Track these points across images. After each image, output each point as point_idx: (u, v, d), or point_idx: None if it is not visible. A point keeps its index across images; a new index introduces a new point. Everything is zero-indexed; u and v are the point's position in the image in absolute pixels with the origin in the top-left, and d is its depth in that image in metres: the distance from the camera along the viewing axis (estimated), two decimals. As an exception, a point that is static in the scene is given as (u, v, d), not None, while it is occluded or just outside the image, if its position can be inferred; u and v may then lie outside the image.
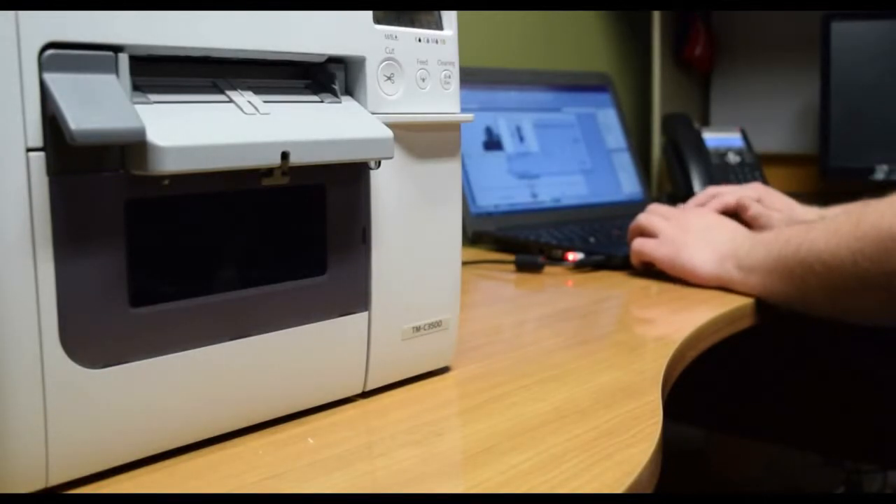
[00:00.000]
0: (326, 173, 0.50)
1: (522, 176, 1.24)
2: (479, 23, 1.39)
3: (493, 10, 1.41)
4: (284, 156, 0.44)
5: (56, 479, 0.40)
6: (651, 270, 0.92)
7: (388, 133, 0.49)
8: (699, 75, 1.82)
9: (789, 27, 1.72)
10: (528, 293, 0.87)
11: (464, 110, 0.57)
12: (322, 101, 0.50)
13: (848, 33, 1.51)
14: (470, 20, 1.37)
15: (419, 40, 0.54)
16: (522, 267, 0.98)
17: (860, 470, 1.51)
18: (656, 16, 1.64)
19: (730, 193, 1.03)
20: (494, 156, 1.22)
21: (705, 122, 1.84)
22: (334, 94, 0.50)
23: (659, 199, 1.52)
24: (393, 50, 0.52)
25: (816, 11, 1.57)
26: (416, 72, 0.54)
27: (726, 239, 0.87)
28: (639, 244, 0.92)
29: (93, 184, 0.40)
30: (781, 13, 1.71)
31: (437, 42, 0.55)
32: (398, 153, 0.53)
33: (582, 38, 1.62)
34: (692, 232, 0.89)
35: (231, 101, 0.45)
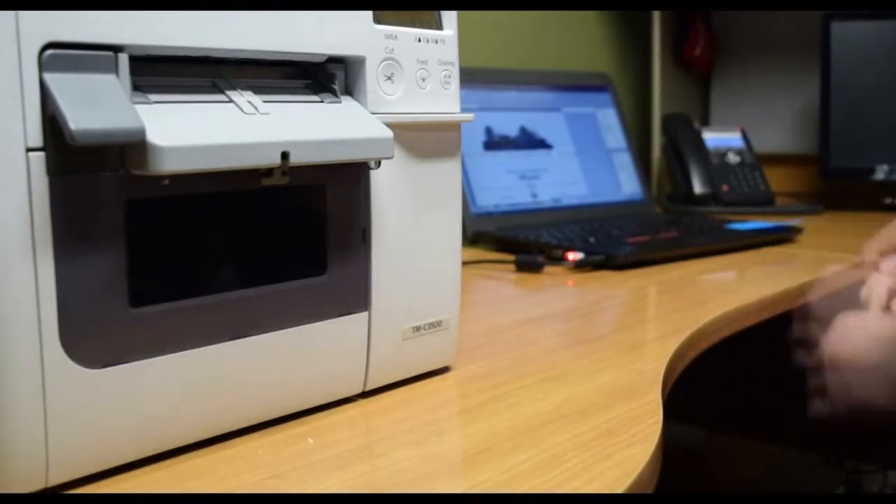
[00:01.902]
0: (326, 173, 0.50)
1: (522, 176, 1.24)
2: (479, 23, 1.39)
3: (492, 10, 1.41)
4: (284, 156, 0.44)
5: (56, 478, 0.40)
6: (651, 270, 0.92)
7: (388, 133, 0.49)
8: (699, 75, 1.82)
9: (789, 27, 1.72)
10: (528, 293, 0.87)
11: (464, 110, 0.57)
12: (322, 101, 0.50)
13: (848, 33, 1.51)
14: (470, 20, 1.37)
15: (419, 40, 0.54)
16: (522, 267, 0.98)
17: (860, 470, 1.51)
18: (656, 16, 1.64)
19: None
20: (494, 156, 1.22)
21: (705, 122, 1.84)
22: (334, 94, 0.50)
23: (658, 199, 1.52)
24: (393, 50, 0.52)
25: (816, 11, 1.57)
26: (416, 72, 0.54)
27: None
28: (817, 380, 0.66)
29: (93, 184, 0.40)
30: (781, 13, 1.71)
31: (436, 42, 0.55)
32: (398, 153, 0.53)
33: (582, 38, 1.62)
34: (859, 353, 0.62)
35: (231, 101, 0.45)
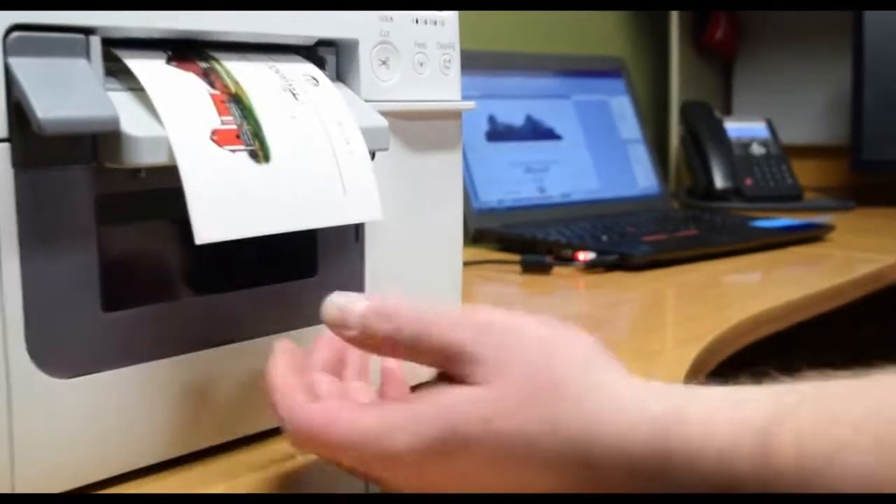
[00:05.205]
0: (316, 166, 0.50)
1: (529, 169, 1.24)
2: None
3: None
4: (270, 147, 0.44)
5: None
6: (669, 271, 0.92)
7: (383, 122, 0.49)
8: (721, 61, 1.82)
9: (819, 10, 1.72)
10: (536, 296, 0.87)
11: (465, 97, 0.57)
12: (311, 88, 0.50)
13: (882, 17, 1.51)
14: None
15: (416, 22, 0.54)
16: (529, 267, 0.98)
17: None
18: (674, -4, 1.64)
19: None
20: (498, 147, 1.22)
21: (727, 111, 1.84)
22: (325, 80, 0.50)
23: (677, 194, 1.52)
24: (388, 32, 0.52)
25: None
26: (414, 56, 0.54)
27: None
28: None
29: (62, 177, 0.40)
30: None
31: (435, 23, 0.55)
32: (394, 144, 0.53)
33: (594, 20, 1.62)
34: None
35: (213, 87, 0.45)
